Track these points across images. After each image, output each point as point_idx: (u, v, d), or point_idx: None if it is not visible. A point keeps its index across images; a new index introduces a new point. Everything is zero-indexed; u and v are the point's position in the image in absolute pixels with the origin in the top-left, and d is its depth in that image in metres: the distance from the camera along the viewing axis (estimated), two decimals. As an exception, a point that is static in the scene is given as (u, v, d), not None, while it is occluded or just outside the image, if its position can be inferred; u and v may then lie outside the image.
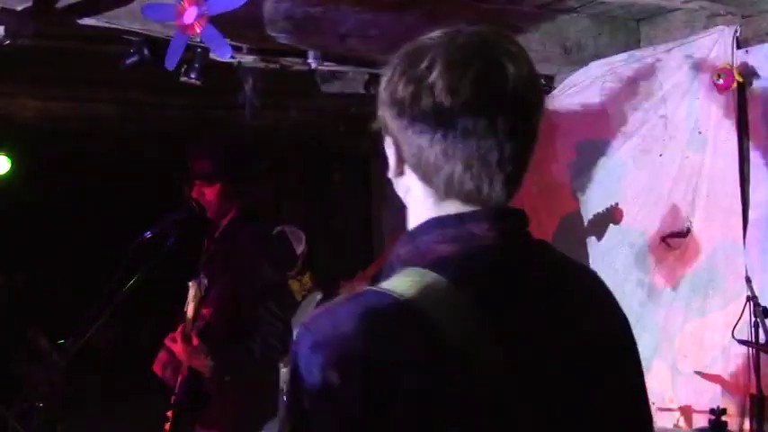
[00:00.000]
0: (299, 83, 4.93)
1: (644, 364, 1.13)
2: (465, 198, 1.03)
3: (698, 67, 3.67)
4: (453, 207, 1.03)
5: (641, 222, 3.95)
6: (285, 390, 4.25)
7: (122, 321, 7.87)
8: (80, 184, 8.57)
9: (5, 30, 3.09)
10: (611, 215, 4.10)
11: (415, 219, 1.07)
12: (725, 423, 3.13)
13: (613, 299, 1.13)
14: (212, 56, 3.31)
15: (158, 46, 3.34)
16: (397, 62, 1.05)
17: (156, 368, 3.06)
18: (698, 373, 3.64)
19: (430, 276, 0.96)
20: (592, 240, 4.14)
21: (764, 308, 3.14)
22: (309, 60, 3.93)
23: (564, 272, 1.10)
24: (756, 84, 3.48)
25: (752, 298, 3.19)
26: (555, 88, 4.24)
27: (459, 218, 1.02)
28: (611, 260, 3.97)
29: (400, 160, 1.06)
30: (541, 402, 0.95)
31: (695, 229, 3.70)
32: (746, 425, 3.40)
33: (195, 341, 2.75)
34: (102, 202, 8.65)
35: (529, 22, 3.85)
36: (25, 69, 4.55)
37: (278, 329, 2.98)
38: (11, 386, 5.22)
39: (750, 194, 3.51)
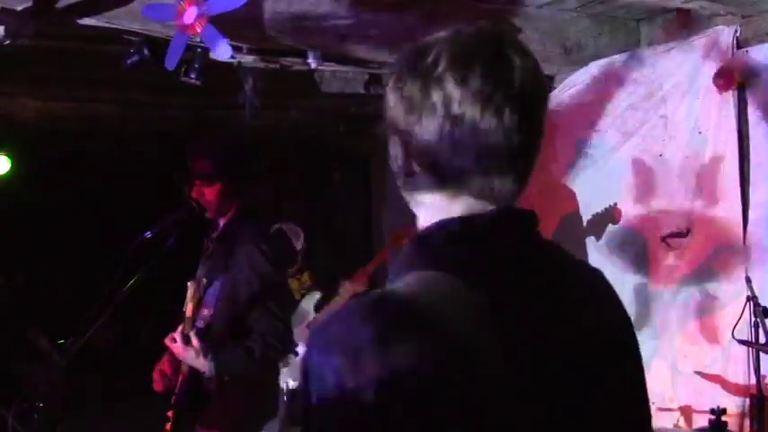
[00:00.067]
0: (299, 83, 4.93)
1: (644, 363, 1.14)
2: (476, 194, 1.02)
3: (698, 67, 3.67)
4: (465, 205, 1.03)
5: (641, 222, 3.95)
6: (285, 390, 4.26)
7: (122, 321, 7.87)
8: (80, 184, 8.57)
9: (5, 30, 3.09)
10: (611, 215, 4.10)
11: (425, 220, 1.07)
12: (725, 423, 3.13)
13: (618, 299, 1.14)
14: (212, 56, 3.31)
15: (158, 46, 3.34)
16: (401, 61, 1.05)
17: (157, 386, 3.05)
18: (698, 373, 3.64)
19: (442, 278, 0.96)
20: (592, 240, 4.14)
21: (764, 308, 3.14)
22: (309, 60, 3.93)
23: (572, 272, 1.10)
24: (756, 84, 3.48)
25: (752, 298, 3.19)
26: (555, 88, 4.24)
27: (470, 219, 1.02)
28: (611, 260, 3.97)
29: (409, 160, 1.05)
30: (542, 402, 0.95)
31: (695, 229, 3.70)
32: (746, 425, 3.40)
33: (195, 341, 2.75)
34: (102, 202, 8.65)
35: (529, 22, 3.85)
36: (25, 69, 4.55)
37: (278, 329, 2.97)
38: (11, 386, 5.22)
39: (750, 194, 3.51)
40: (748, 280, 3.28)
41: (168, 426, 2.85)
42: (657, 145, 3.87)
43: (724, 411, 3.16)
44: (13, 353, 5.85)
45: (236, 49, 3.53)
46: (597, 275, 1.14)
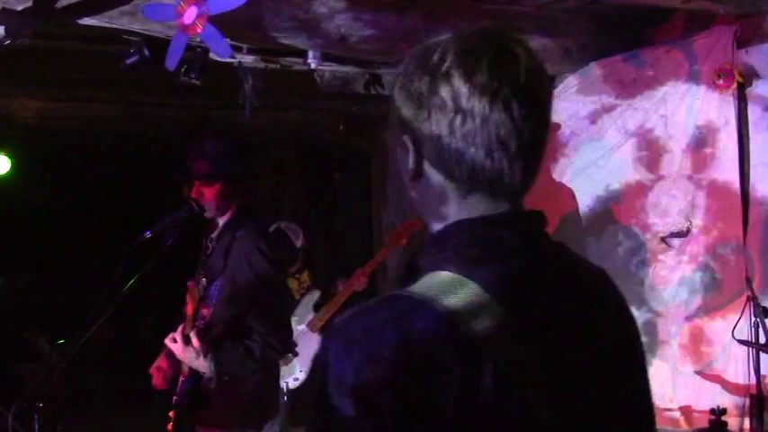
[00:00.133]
0: (299, 83, 4.93)
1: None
2: (488, 190, 1.03)
3: (698, 67, 3.68)
4: (478, 203, 1.04)
5: (641, 222, 3.96)
6: (285, 390, 4.26)
7: (122, 321, 7.87)
8: (80, 183, 8.56)
9: (5, 30, 3.09)
10: (611, 215, 4.10)
11: (437, 222, 1.07)
12: (725, 423, 3.13)
13: (623, 300, 1.15)
14: (212, 56, 3.31)
15: (158, 46, 3.34)
16: (408, 61, 1.07)
17: (157, 381, 3.05)
18: (698, 373, 3.65)
19: (459, 280, 0.97)
20: (592, 240, 4.14)
21: (764, 308, 3.14)
22: (309, 60, 3.93)
23: (581, 273, 1.11)
24: (756, 84, 3.48)
25: (752, 298, 3.19)
26: (555, 88, 4.24)
27: (484, 220, 1.03)
28: (611, 260, 3.98)
29: (420, 159, 1.05)
30: (556, 398, 0.96)
31: (695, 229, 3.70)
32: (746, 425, 3.41)
33: (195, 342, 2.75)
34: (102, 202, 8.65)
35: (529, 22, 3.85)
36: (25, 69, 4.55)
37: (278, 329, 2.97)
38: (11, 386, 5.23)
39: (750, 194, 3.51)
40: (748, 280, 3.28)
41: (169, 426, 2.85)
42: (657, 145, 3.87)
43: (724, 411, 3.16)
44: (14, 353, 5.85)
45: (236, 49, 3.53)
46: (604, 276, 1.15)
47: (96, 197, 8.67)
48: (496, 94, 0.99)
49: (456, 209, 1.04)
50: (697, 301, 3.69)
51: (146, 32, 3.37)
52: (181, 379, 2.92)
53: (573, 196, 4.28)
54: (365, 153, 6.53)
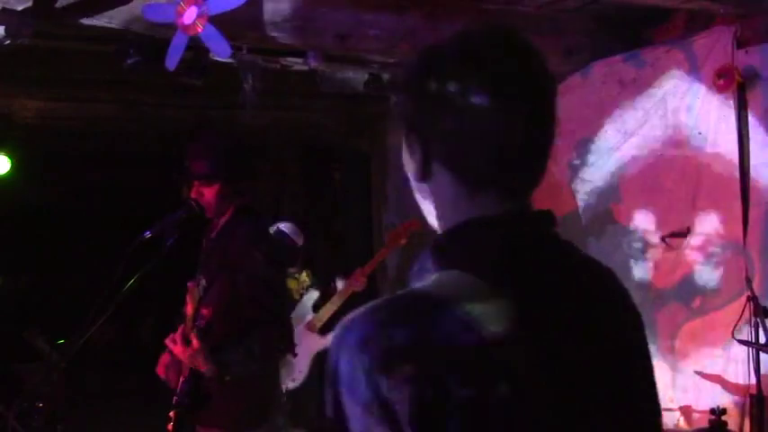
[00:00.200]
0: (299, 83, 4.93)
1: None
2: (497, 188, 1.03)
3: (698, 67, 3.68)
4: (486, 202, 1.04)
5: (641, 222, 3.96)
6: (285, 390, 4.26)
7: (122, 321, 7.88)
8: (80, 184, 8.57)
9: (5, 30, 3.09)
10: (611, 215, 4.10)
11: (445, 222, 1.07)
12: (725, 423, 3.13)
13: (631, 299, 1.15)
14: (212, 56, 3.31)
15: (158, 46, 3.34)
16: (414, 62, 1.07)
17: (160, 371, 3.06)
18: (698, 373, 3.65)
19: (466, 279, 0.97)
20: (592, 240, 4.14)
21: (764, 308, 3.15)
22: (309, 60, 3.93)
23: (590, 273, 1.11)
24: (756, 84, 3.48)
25: (752, 298, 3.19)
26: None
27: (491, 220, 1.03)
28: (611, 260, 3.98)
29: (427, 160, 1.05)
30: (562, 397, 0.96)
31: (695, 229, 3.70)
32: (746, 425, 3.41)
33: (195, 343, 2.75)
34: (102, 202, 8.66)
35: (529, 22, 3.85)
36: (25, 69, 4.56)
37: (277, 329, 2.97)
38: (11, 386, 5.23)
39: (750, 194, 3.51)
40: (748, 280, 3.28)
41: (170, 426, 2.84)
42: (657, 145, 3.87)
43: (724, 411, 3.16)
44: (14, 353, 5.85)
45: (236, 49, 3.53)
46: (612, 275, 1.15)
47: (96, 197, 8.67)
48: (504, 92, 1.00)
49: (464, 209, 1.04)
50: (697, 301, 3.69)
51: (146, 32, 3.37)
52: (181, 379, 2.92)
53: (573, 196, 4.28)
54: (365, 153, 6.53)
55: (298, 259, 4.80)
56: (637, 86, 3.95)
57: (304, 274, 4.84)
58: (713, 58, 3.59)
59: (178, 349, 2.77)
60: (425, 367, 0.89)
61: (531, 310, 0.96)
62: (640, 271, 3.90)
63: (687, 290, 3.72)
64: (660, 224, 3.85)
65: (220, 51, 3.05)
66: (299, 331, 4.60)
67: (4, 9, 3.02)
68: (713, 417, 3.15)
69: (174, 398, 2.91)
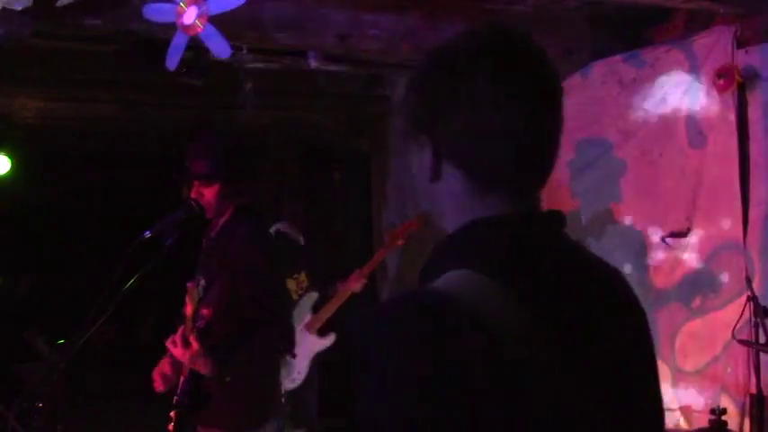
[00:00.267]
0: (299, 83, 4.94)
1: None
2: (507, 187, 1.04)
3: (698, 67, 3.67)
4: (497, 202, 1.04)
5: (641, 222, 3.96)
6: (285, 390, 4.26)
7: (122, 321, 7.87)
8: (80, 184, 8.57)
9: (5, 30, 3.09)
10: (611, 215, 4.10)
11: (454, 222, 1.07)
12: (725, 423, 3.13)
13: (638, 299, 1.15)
14: (212, 56, 3.31)
15: (158, 46, 3.34)
16: (423, 62, 1.08)
17: (158, 387, 3.05)
18: (698, 373, 3.64)
19: (478, 278, 0.97)
20: (592, 240, 4.14)
21: (764, 308, 3.14)
22: (309, 60, 3.93)
23: (599, 273, 1.12)
24: (756, 84, 3.48)
25: (752, 298, 3.19)
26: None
27: (502, 219, 1.03)
28: (611, 260, 3.97)
29: (438, 159, 1.05)
30: (576, 395, 0.97)
31: (695, 229, 3.70)
32: (746, 425, 3.41)
33: (195, 345, 2.74)
34: (102, 202, 8.66)
35: (529, 22, 3.86)
36: (25, 69, 4.56)
37: (278, 329, 2.97)
38: (11, 386, 5.23)
39: (750, 194, 3.51)
40: (748, 280, 3.28)
41: (170, 426, 2.84)
42: (657, 145, 3.87)
43: (724, 411, 3.16)
44: (14, 353, 5.85)
45: (236, 49, 3.53)
46: (619, 276, 1.15)
47: (96, 197, 8.68)
48: (514, 90, 1.00)
49: (474, 209, 1.05)
50: (697, 301, 3.68)
51: (146, 33, 3.37)
52: (182, 379, 2.92)
53: (573, 196, 4.28)
54: (365, 153, 6.53)
55: (299, 260, 4.80)
56: (637, 86, 3.95)
57: (303, 274, 4.84)
58: (713, 58, 3.59)
59: (178, 351, 2.77)
60: (444, 363, 0.89)
61: (540, 310, 0.97)
62: (640, 271, 3.90)
63: (687, 290, 3.72)
64: (660, 224, 3.85)
65: (220, 51, 3.05)
66: (297, 332, 4.60)
67: (4, 9, 3.01)
68: (713, 417, 3.15)
69: (175, 398, 2.91)
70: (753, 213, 3.48)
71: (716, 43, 3.59)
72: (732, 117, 3.54)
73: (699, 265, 3.69)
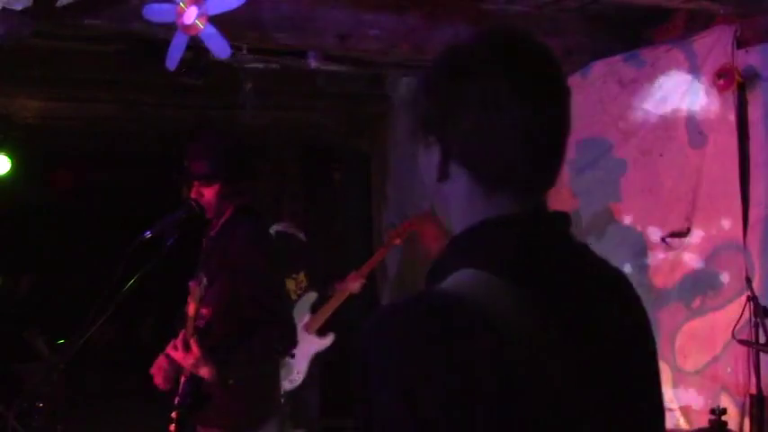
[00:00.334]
0: (299, 83, 4.94)
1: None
2: (515, 187, 1.05)
3: (698, 67, 3.67)
4: (504, 202, 1.05)
5: (641, 222, 3.95)
6: (285, 390, 4.25)
7: (122, 321, 7.87)
8: (80, 184, 8.57)
9: (5, 30, 3.09)
10: (611, 215, 4.10)
11: (461, 222, 1.07)
12: (725, 423, 3.13)
13: (641, 300, 1.15)
14: (212, 56, 3.31)
15: (158, 46, 3.34)
16: (433, 62, 1.09)
17: (158, 381, 3.04)
18: (698, 372, 3.64)
19: (486, 278, 0.97)
20: (592, 240, 4.14)
21: (764, 308, 3.14)
22: (309, 60, 3.93)
23: (604, 274, 1.13)
24: (756, 84, 3.48)
25: (752, 298, 3.19)
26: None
27: (511, 219, 1.04)
28: (611, 260, 3.97)
29: (447, 160, 1.06)
30: (583, 396, 0.97)
31: (695, 229, 3.70)
32: (746, 425, 3.41)
33: (195, 349, 2.74)
34: (102, 202, 8.65)
35: (528, 23, 3.85)
36: (25, 69, 4.56)
37: (278, 329, 2.97)
38: (11, 386, 5.23)
39: (750, 194, 3.51)
40: (748, 280, 3.28)
41: (172, 427, 2.84)
42: (657, 145, 3.87)
43: (724, 411, 3.16)
44: (14, 353, 5.86)
45: (236, 49, 3.53)
46: (623, 277, 1.16)
47: (96, 197, 8.67)
48: (525, 91, 1.01)
49: (481, 209, 1.05)
50: (697, 301, 3.68)
51: (145, 33, 3.37)
52: (182, 379, 2.92)
53: (573, 196, 4.28)
54: (365, 153, 6.53)
55: (299, 260, 4.79)
56: (637, 86, 3.95)
57: (302, 274, 4.84)
58: (713, 58, 3.59)
59: (179, 355, 2.77)
60: (452, 363, 0.90)
61: (548, 310, 0.97)
62: (640, 271, 3.90)
63: (687, 290, 3.72)
64: (660, 224, 3.85)
65: (220, 51, 3.05)
66: (297, 332, 4.60)
67: (4, 9, 3.01)
68: (713, 417, 3.15)
69: (176, 398, 2.90)
70: (753, 213, 3.48)
71: (716, 43, 3.59)
72: (732, 117, 3.54)
73: (699, 265, 3.69)
